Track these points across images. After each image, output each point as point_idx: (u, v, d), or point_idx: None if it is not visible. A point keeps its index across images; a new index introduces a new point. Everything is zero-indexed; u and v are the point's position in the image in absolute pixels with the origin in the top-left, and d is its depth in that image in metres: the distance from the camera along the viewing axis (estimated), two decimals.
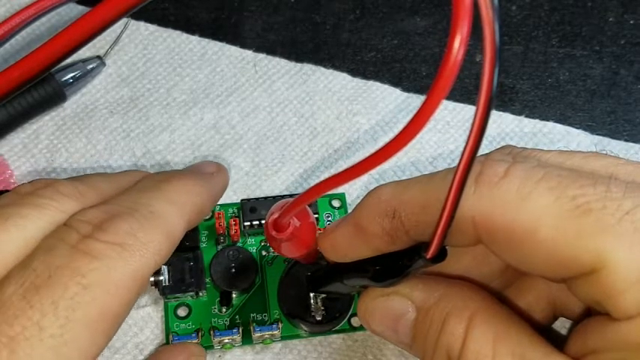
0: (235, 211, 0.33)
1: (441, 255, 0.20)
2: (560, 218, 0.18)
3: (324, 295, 0.30)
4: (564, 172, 0.19)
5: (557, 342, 0.20)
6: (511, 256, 0.20)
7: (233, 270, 0.31)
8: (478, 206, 0.19)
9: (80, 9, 0.39)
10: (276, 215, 0.23)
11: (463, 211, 0.19)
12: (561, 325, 0.26)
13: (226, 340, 0.30)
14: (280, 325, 0.30)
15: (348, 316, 0.31)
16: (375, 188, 0.23)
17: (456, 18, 0.14)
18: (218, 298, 0.31)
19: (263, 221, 0.31)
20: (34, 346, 0.19)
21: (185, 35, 0.39)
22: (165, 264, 0.30)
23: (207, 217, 0.33)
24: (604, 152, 0.22)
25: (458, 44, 0.14)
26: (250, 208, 0.32)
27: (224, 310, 0.31)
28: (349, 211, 0.34)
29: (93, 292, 0.21)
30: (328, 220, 0.33)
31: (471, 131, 0.16)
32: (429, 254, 0.20)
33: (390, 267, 0.22)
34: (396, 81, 0.38)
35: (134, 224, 0.23)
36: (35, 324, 0.20)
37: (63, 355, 0.20)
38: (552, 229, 0.18)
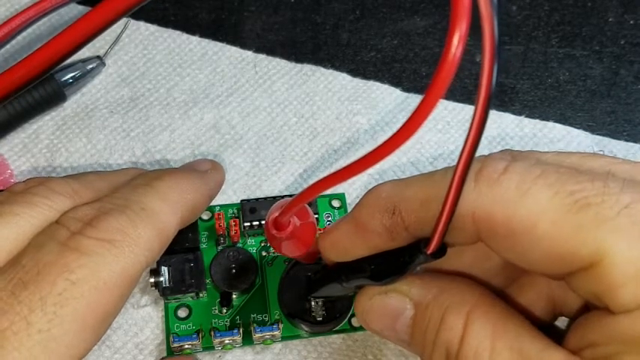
0: (235, 211, 0.33)
1: (442, 250, 0.20)
2: (558, 213, 0.18)
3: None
4: (562, 169, 0.19)
5: (557, 337, 0.21)
6: (510, 252, 0.20)
7: (233, 271, 0.31)
8: (478, 202, 0.19)
9: (80, 9, 0.39)
10: (276, 214, 0.23)
11: (463, 206, 0.19)
12: (562, 326, 0.25)
13: (227, 341, 0.30)
14: (280, 326, 0.30)
15: (348, 316, 0.31)
16: (374, 186, 0.23)
17: (455, 14, 0.14)
18: (218, 299, 0.31)
19: (263, 222, 0.31)
20: (22, 341, 0.20)
21: (185, 35, 0.39)
22: (165, 265, 0.30)
23: (207, 218, 0.33)
24: (603, 153, 0.22)
25: (457, 41, 0.14)
26: (250, 208, 0.31)
27: (224, 310, 0.31)
28: (349, 211, 0.34)
29: (81, 287, 0.21)
30: (328, 220, 0.33)
31: (471, 124, 0.16)
32: (430, 249, 0.20)
33: (389, 265, 0.22)
34: (396, 81, 0.38)
35: (124, 221, 0.23)
36: (23, 319, 0.20)
37: (51, 350, 0.20)
38: (551, 223, 0.18)
